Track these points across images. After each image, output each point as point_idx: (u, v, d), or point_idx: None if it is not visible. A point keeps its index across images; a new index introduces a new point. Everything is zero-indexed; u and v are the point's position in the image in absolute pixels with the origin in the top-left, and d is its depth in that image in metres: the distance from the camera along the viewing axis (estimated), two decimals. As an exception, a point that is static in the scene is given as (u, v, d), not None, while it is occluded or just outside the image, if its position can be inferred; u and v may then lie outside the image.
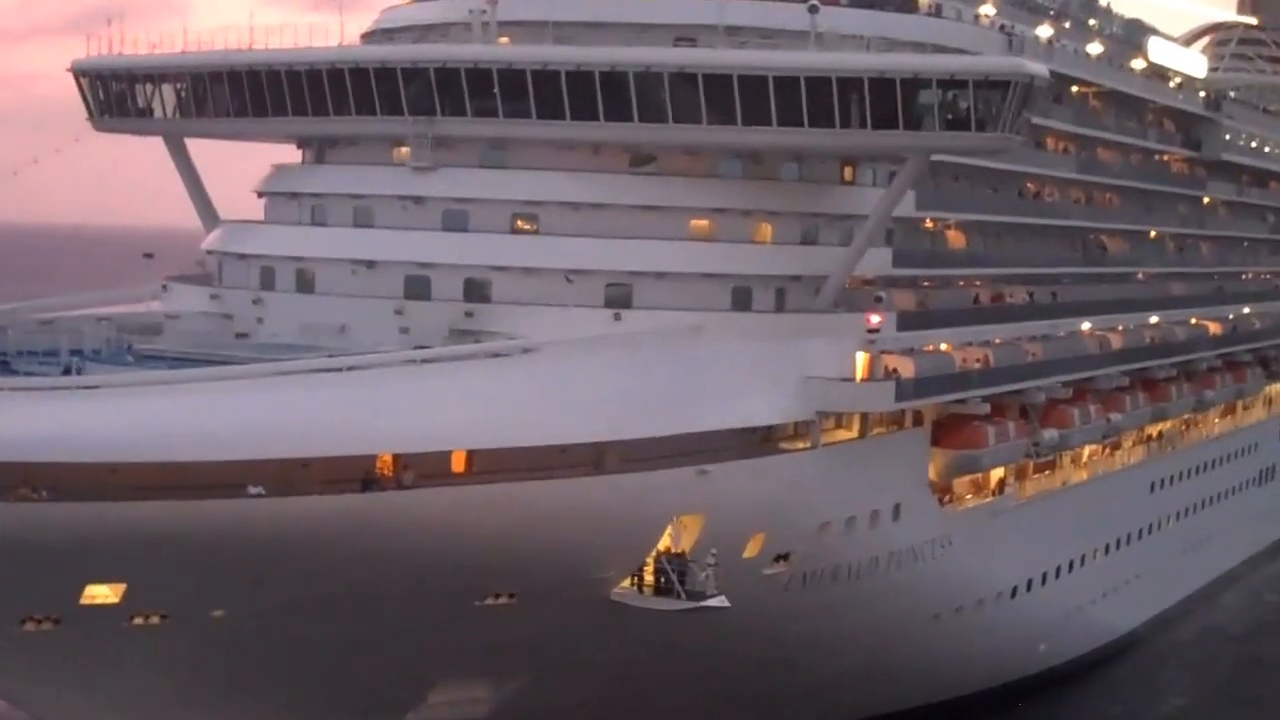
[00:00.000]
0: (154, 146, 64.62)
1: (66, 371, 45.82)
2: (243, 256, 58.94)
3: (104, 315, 55.64)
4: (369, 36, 63.30)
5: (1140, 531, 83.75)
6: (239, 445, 40.71)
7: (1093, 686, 75.92)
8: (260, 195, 61.82)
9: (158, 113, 61.95)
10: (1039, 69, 54.66)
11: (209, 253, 61.57)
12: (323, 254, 56.63)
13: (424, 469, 43.68)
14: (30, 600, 42.07)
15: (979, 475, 66.62)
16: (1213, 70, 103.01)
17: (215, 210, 64.97)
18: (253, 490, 40.65)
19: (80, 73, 62.75)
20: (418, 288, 54.74)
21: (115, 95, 62.41)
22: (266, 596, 43.53)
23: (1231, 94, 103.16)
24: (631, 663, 52.07)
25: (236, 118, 59.67)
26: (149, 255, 61.44)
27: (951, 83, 52.49)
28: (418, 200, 56.09)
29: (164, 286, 60.67)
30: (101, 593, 42.36)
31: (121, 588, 42.31)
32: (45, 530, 39.41)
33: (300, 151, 63.07)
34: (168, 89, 61.31)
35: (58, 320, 54.50)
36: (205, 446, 40.27)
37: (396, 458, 43.23)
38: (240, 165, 66.88)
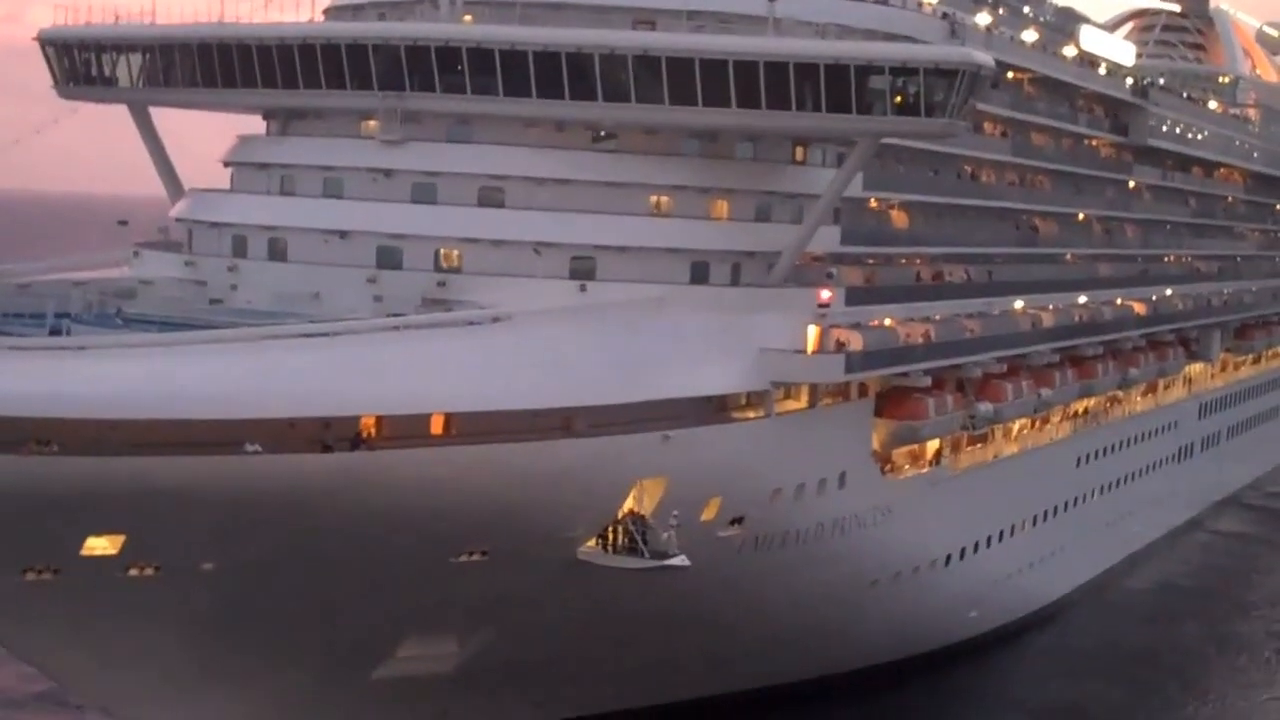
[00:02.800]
0: (121, 116, 65.92)
1: (54, 333, 47.40)
2: (215, 225, 60.35)
3: (79, 280, 57.40)
4: (332, 12, 64.84)
5: (1066, 504, 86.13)
6: (234, 404, 42.44)
7: (1018, 653, 78.30)
8: (227, 165, 63.11)
9: (123, 82, 63.19)
10: (985, 59, 56.85)
11: (178, 220, 62.87)
12: (295, 223, 58.14)
13: (404, 431, 45.59)
14: (32, 551, 43.76)
15: (917, 446, 68.78)
16: (1139, 58, 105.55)
17: (179, 179, 66.47)
18: (250, 447, 42.51)
19: (46, 41, 63.82)
20: (390, 257, 56.46)
21: (81, 64, 63.68)
22: (255, 550, 45.39)
23: (1160, 81, 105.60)
24: (593, 621, 54.12)
25: (203, 88, 60.83)
26: (123, 222, 62.83)
27: (903, 70, 54.59)
28: (387, 173, 57.78)
29: (135, 253, 61.89)
30: (101, 545, 44.09)
31: (120, 540, 44.07)
32: (52, 483, 41.02)
33: (265, 123, 64.47)
34: (134, 59, 62.53)
35: (34, 284, 56.17)
36: (203, 405, 42.03)
37: (379, 419, 45.12)
38: (197, 136, 68.30)
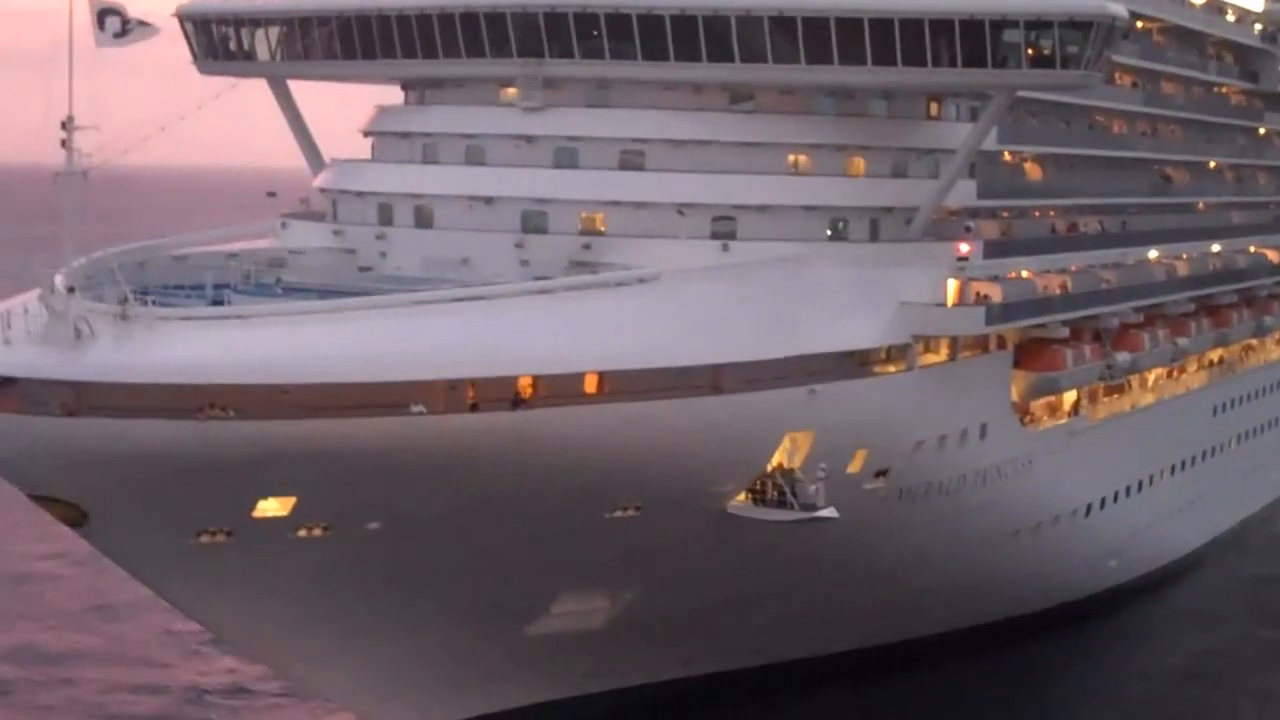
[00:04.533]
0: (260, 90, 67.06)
1: (216, 304, 48.90)
2: (360, 194, 61.49)
3: (232, 252, 58.82)
4: None
5: (1203, 454, 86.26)
6: (397, 367, 43.78)
7: (1156, 606, 78.53)
8: (367, 135, 64.24)
9: (261, 56, 64.31)
10: (1119, 10, 56.92)
11: (322, 191, 64.11)
12: (440, 191, 59.15)
13: (559, 391, 46.66)
14: (207, 514, 45.30)
15: (1055, 398, 69.14)
16: (1268, 2, 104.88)
17: (319, 151, 67.82)
18: (415, 409, 43.73)
19: (185, 18, 65.00)
20: (535, 222, 57.45)
21: (219, 40, 64.98)
22: (418, 509, 46.68)
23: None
24: (740, 576, 55.01)
25: (342, 60, 61.97)
26: (272, 194, 64.02)
27: (1038, 23, 54.81)
28: (529, 139, 58.70)
29: (282, 224, 63.14)
30: (272, 506, 45.62)
31: (291, 501, 45.54)
32: (228, 447, 42.52)
33: (403, 93, 65.65)
34: (272, 32, 63.54)
35: (190, 257, 57.67)
36: (368, 368, 43.37)
37: (536, 379, 46.19)
38: (319, 111, 69.33)
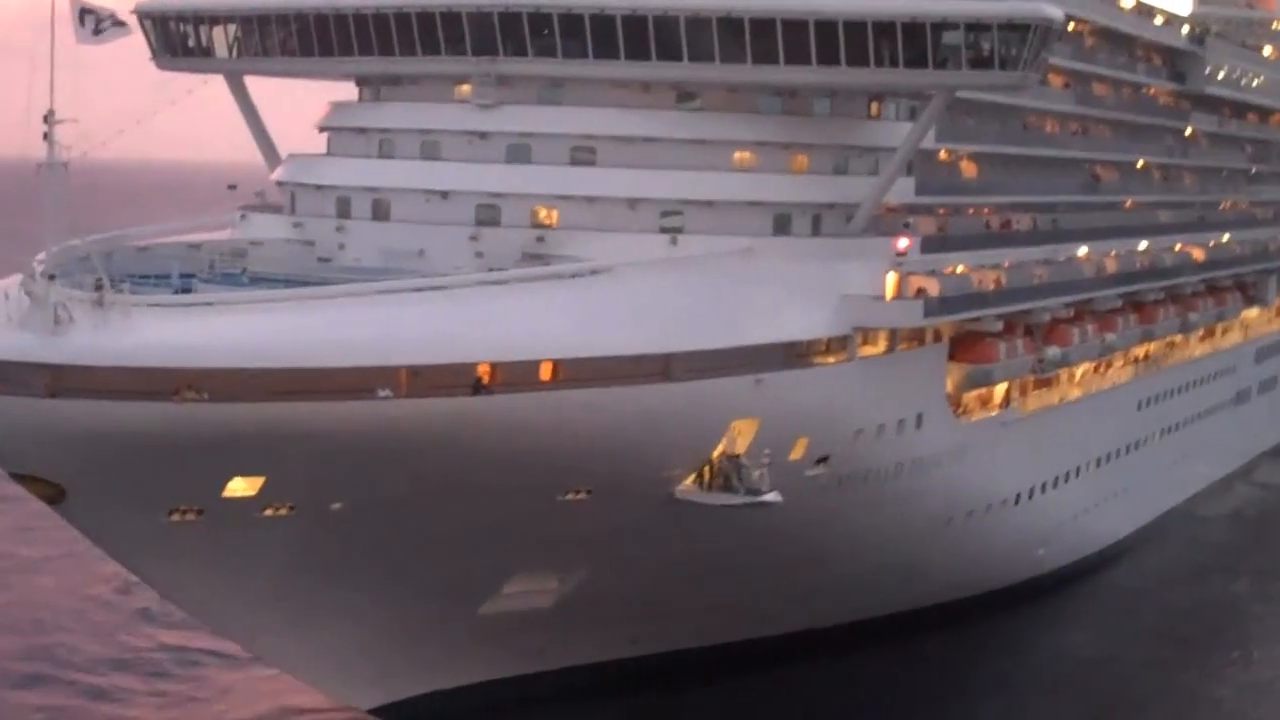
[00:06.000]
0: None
1: (182, 292, 50.42)
2: (319, 187, 62.90)
3: (193, 243, 60.31)
4: None
5: (1128, 447, 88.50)
6: (366, 353, 45.54)
7: (1082, 592, 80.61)
8: (323, 130, 65.66)
9: (219, 53, 65.63)
10: (1056, 13, 58.74)
11: (280, 184, 65.39)
12: (397, 184, 60.71)
13: (516, 378, 48.36)
14: (180, 492, 47.04)
15: (986, 390, 71.15)
16: (1197, 6, 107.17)
17: (275, 146, 69.24)
18: (382, 393, 45.48)
19: (143, 14, 65.96)
20: (488, 215, 59.05)
21: (178, 36, 66.19)
22: (381, 490, 48.45)
23: (1214, 28, 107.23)
24: (686, 559, 56.85)
25: (300, 57, 63.34)
26: (233, 187, 65.29)
27: (977, 26, 56.69)
28: (483, 135, 60.27)
29: (241, 216, 64.51)
30: (241, 486, 47.36)
31: (260, 481, 47.26)
32: (203, 427, 44.23)
33: (358, 89, 66.92)
34: (229, 29, 64.86)
35: (153, 247, 59.11)
36: (337, 354, 45.14)
37: (494, 366, 47.90)
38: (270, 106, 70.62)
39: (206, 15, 65.35)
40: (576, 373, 49.44)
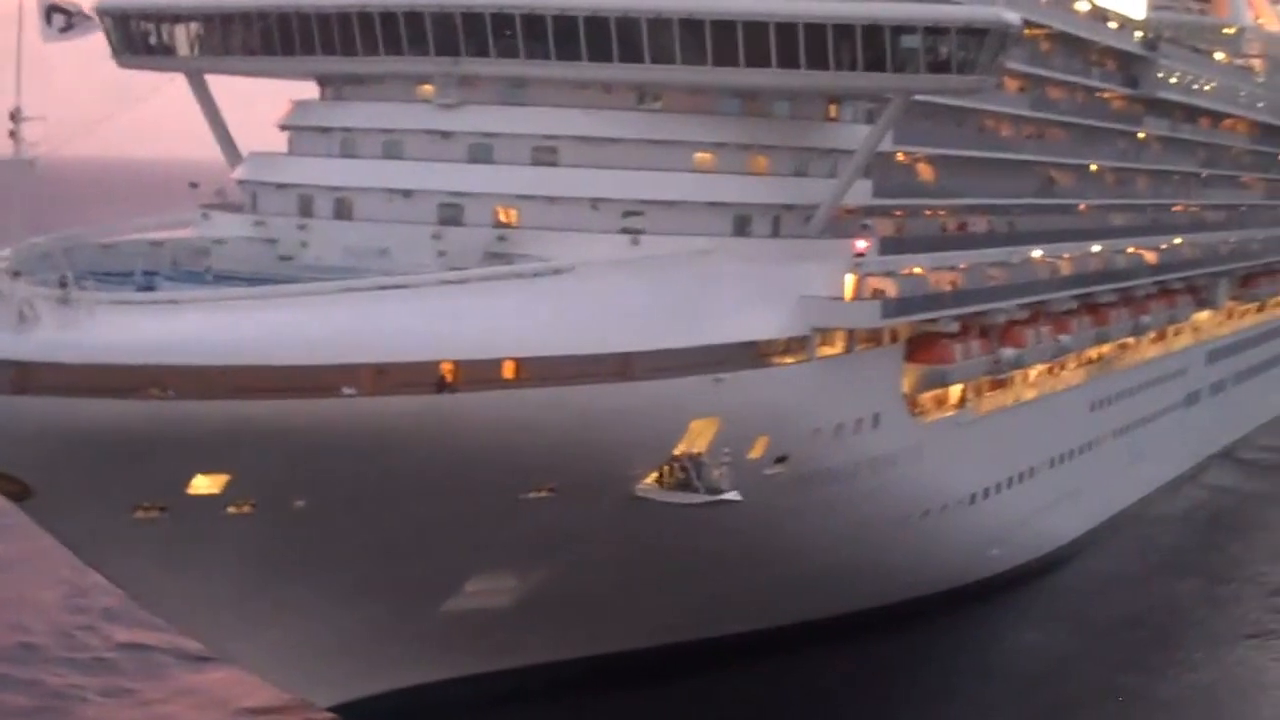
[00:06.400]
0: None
1: (145, 290, 50.52)
2: (281, 186, 63.09)
3: (156, 240, 60.45)
4: None
5: (1081, 448, 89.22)
6: (331, 351, 45.72)
7: (1034, 593, 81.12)
8: (284, 129, 65.91)
9: (180, 51, 65.72)
10: (1014, 18, 59.39)
11: (241, 183, 65.58)
12: (360, 183, 60.95)
13: (479, 376, 48.65)
14: (144, 489, 47.15)
15: (942, 390, 71.78)
16: (1150, 11, 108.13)
17: (236, 144, 69.33)
18: (346, 391, 45.72)
19: (104, 12, 65.76)
20: (451, 215, 59.32)
21: (138, 34, 66.27)
22: (345, 488, 48.67)
23: (1167, 33, 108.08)
24: (646, 557, 57.19)
25: (262, 56, 63.52)
26: (195, 185, 65.41)
27: (936, 30, 57.21)
28: (445, 134, 60.56)
29: (204, 214, 64.59)
30: (205, 484, 47.49)
31: (224, 479, 47.43)
32: (169, 425, 44.34)
33: (319, 89, 67.10)
34: (191, 28, 64.92)
35: (116, 245, 59.19)
36: (302, 352, 45.29)
37: (457, 365, 48.19)
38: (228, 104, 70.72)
39: (168, 13, 65.38)
40: (539, 371, 49.75)
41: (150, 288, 50.45)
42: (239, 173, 66.28)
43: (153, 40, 66.04)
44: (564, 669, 60.95)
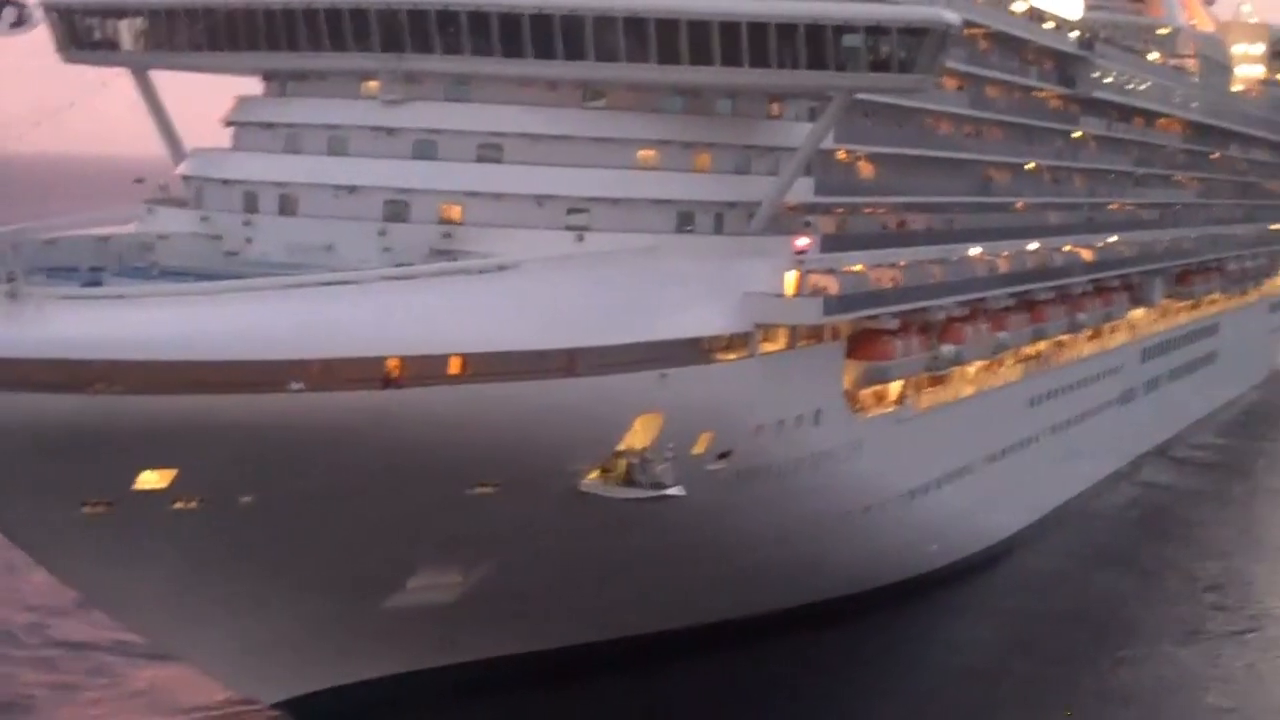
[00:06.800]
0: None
1: (91, 285, 50.50)
2: (225, 182, 63.20)
3: (100, 236, 60.44)
4: None
5: (1018, 444, 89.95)
6: (278, 347, 45.90)
7: (971, 588, 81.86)
8: (229, 125, 65.99)
9: (125, 46, 65.79)
10: (954, 17, 60.11)
11: (186, 179, 65.65)
12: (305, 179, 61.13)
13: (425, 372, 48.95)
14: (91, 484, 47.16)
15: (882, 387, 72.36)
16: (1086, 11, 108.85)
17: (180, 140, 69.33)
18: (294, 386, 45.92)
19: (49, 7, 65.99)
20: (396, 211, 59.63)
21: (83, 29, 66.32)
22: (290, 484, 48.84)
23: (1102, 34, 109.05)
24: (589, 552, 57.65)
25: (207, 52, 63.66)
26: (140, 180, 65.35)
27: (878, 29, 57.88)
28: (390, 131, 60.83)
29: (149, 210, 64.63)
30: (152, 479, 47.56)
31: (171, 474, 47.53)
32: (116, 420, 44.41)
33: (263, 84, 67.09)
34: (135, 23, 65.07)
35: (61, 240, 59.14)
36: (250, 347, 45.46)
37: (403, 361, 48.45)
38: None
39: (113, 8, 65.49)
40: (484, 367, 50.03)
41: (97, 283, 50.44)
42: (183, 168, 66.32)
43: (97, 35, 66.19)
44: (509, 664, 61.20)
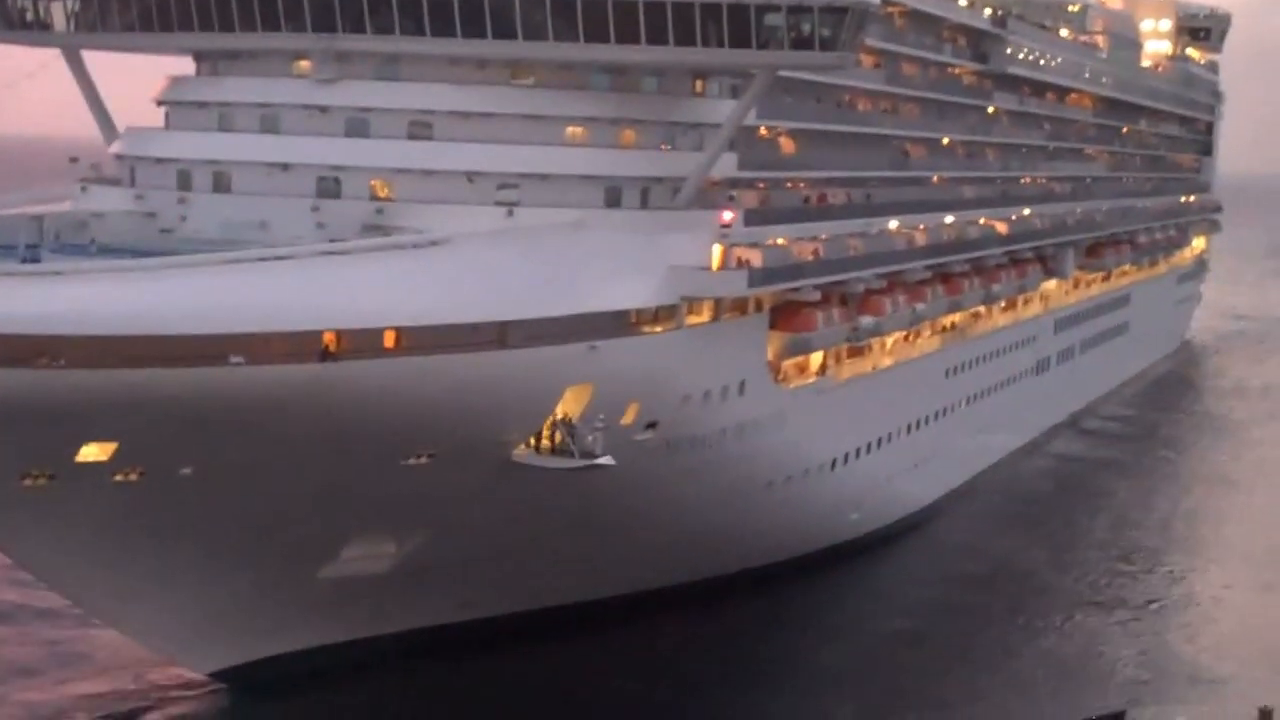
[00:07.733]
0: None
1: (29, 262, 51.29)
2: (159, 160, 64.03)
3: (34, 214, 61.05)
4: None
5: (936, 414, 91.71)
6: (217, 321, 46.87)
7: (890, 556, 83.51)
8: (161, 104, 66.71)
9: (57, 26, 66.27)
10: None
11: (119, 157, 66.40)
12: (238, 157, 62.11)
13: (361, 345, 50.13)
14: (33, 457, 48.07)
15: (804, 358, 73.84)
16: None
17: (113, 120, 69.93)
18: (234, 359, 46.90)
19: None
20: (329, 187, 60.77)
21: (15, 9, 66.80)
22: (230, 455, 49.87)
23: (1014, 11, 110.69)
24: (521, 522, 58.87)
25: (139, 32, 64.37)
26: (75, 159, 65.97)
27: (799, 8, 59.18)
28: (322, 109, 61.91)
29: (82, 188, 65.36)
30: (93, 452, 48.49)
31: (112, 447, 48.45)
32: (58, 393, 45.30)
33: (195, 64, 67.91)
34: (68, 3, 65.55)
35: None
36: (190, 322, 46.42)
37: (339, 334, 49.55)
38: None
39: None
40: (418, 340, 51.28)
41: (35, 260, 51.22)
42: (116, 147, 67.02)
43: (29, 16, 66.61)
44: (443, 633, 62.35)
